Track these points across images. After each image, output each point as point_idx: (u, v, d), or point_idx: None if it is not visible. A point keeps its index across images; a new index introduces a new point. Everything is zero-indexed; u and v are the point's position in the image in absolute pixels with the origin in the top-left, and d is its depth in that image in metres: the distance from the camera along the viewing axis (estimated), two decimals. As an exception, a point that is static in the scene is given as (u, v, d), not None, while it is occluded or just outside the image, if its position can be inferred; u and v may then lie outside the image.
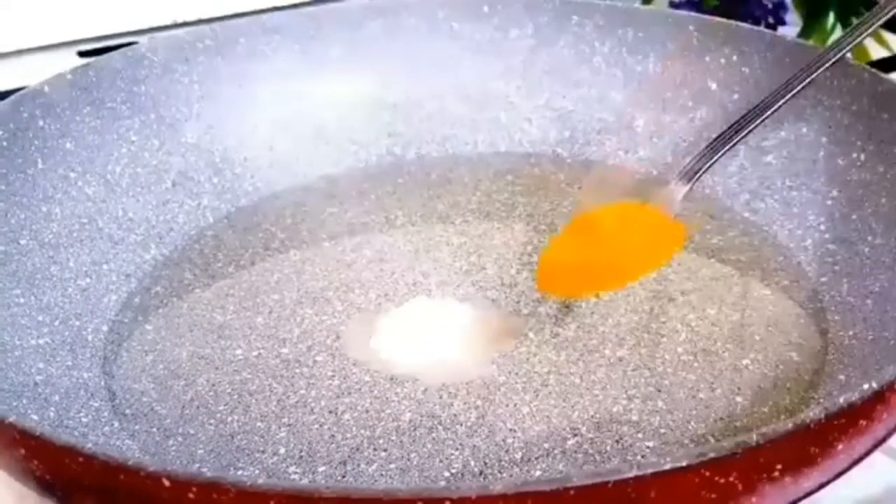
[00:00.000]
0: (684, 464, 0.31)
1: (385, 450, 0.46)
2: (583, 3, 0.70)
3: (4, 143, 0.56)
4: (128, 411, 0.49)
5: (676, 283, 0.56)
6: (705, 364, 0.50)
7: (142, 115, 0.64)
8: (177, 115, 0.66)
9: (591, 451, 0.45)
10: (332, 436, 0.47)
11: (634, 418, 0.47)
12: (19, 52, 0.80)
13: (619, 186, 0.61)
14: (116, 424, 0.48)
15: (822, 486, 0.36)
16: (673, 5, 0.83)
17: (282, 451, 0.46)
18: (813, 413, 0.33)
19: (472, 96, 0.71)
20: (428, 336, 0.53)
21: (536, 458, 0.45)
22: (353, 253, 0.60)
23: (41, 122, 0.59)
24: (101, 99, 0.63)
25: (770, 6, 0.82)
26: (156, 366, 0.52)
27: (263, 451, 0.46)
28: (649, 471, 0.31)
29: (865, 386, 0.35)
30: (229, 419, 0.48)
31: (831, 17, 0.80)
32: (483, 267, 0.58)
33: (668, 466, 0.31)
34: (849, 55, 0.58)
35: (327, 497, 0.31)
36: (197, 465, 0.45)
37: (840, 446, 0.35)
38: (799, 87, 0.57)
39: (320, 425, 0.47)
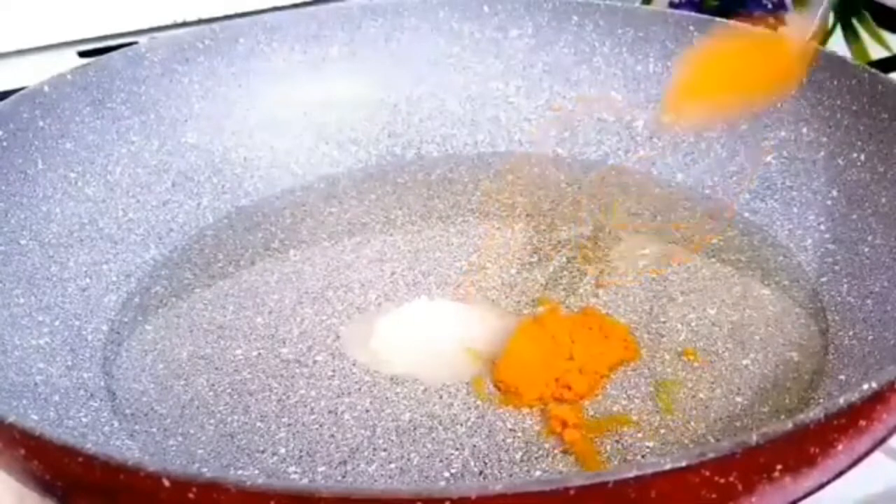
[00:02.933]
0: (684, 464, 0.31)
1: (385, 450, 0.46)
2: (583, 3, 0.70)
3: (4, 143, 0.56)
4: (128, 411, 0.49)
5: (676, 283, 0.56)
6: (705, 364, 0.50)
7: (142, 115, 0.64)
8: (177, 115, 0.66)
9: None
10: (332, 436, 0.47)
11: (634, 418, 0.47)
12: (19, 52, 0.80)
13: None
14: (116, 424, 0.48)
15: (822, 485, 0.36)
16: (673, 5, 0.83)
17: (282, 451, 0.46)
18: (813, 413, 0.33)
19: (472, 96, 0.71)
20: (428, 336, 0.53)
21: (536, 458, 0.45)
22: (352, 253, 0.60)
23: (41, 122, 0.59)
24: (102, 99, 0.63)
25: (770, 6, 0.82)
26: (156, 366, 0.52)
27: (263, 451, 0.46)
28: (649, 471, 0.31)
29: (865, 386, 0.34)
30: (229, 419, 0.48)
31: (831, 17, 0.80)
32: (483, 267, 0.58)
33: (668, 466, 0.31)
34: (849, 55, 0.58)
35: (327, 497, 0.31)
36: (197, 465, 0.45)
37: (840, 446, 0.35)
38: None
39: (320, 425, 0.47)
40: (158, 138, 0.65)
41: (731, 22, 0.66)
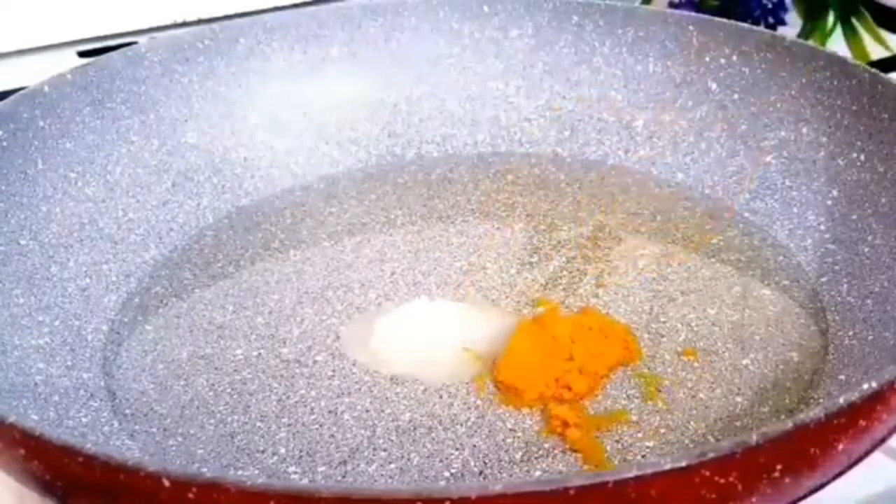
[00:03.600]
0: (684, 464, 0.31)
1: (385, 450, 0.46)
2: (583, 2, 0.70)
3: (4, 143, 0.56)
4: (128, 411, 0.49)
5: (676, 283, 0.56)
6: (705, 364, 0.50)
7: (142, 115, 0.64)
8: (177, 115, 0.66)
9: (591, 450, 0.45)
10: (332, 436, 0.46)
11: (634, 418, 0.47)
12: (19, 52, 0.80)
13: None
14: (116, 424, 0.48)
15: (822, 485, 0.36)
16: (672, 5, 0.83)
17: (282, 450, 0.46)
18: (813, 413, 0.33)
19: (471, 96, 0.71)
20: (428, 336, 0.53)
21: (536, 458, 0.45)
22: (352, 253, 0.60)
23: (41, 123, 0.59)
24: (101, 99, 0.62)
25: (770, 6, 0.82)
26: (156, 366, 0.52)
27: (263, 451, 0.46)
28: (649, 471, 0.31)
29: (865, 386, 0.34)
30: (229, 419, 0.48)
31: (831, 17, 0.80)
32: (483, 267, 0.58)
33: (668, 466, 0.31)
34: (849, 55, 0.58)
35: (327, 497, 0.31)
36: (197, 465, 0.45)
37: (840, 446, 0.35)
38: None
39: (320, 425, 0.47)
40: (158, 138, 0.64)
41: (731, 22, 0.66)
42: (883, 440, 0.38)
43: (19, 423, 0.35)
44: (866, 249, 0.54)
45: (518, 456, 0.45)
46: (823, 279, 0.55)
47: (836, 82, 0.59)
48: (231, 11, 0.79)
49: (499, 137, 0.71)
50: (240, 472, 0.45)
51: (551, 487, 0.31)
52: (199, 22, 0.81)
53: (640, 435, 0.46)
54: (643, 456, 0.45)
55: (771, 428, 0.32)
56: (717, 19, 0.67)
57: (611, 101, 0.69)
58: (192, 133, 0.66)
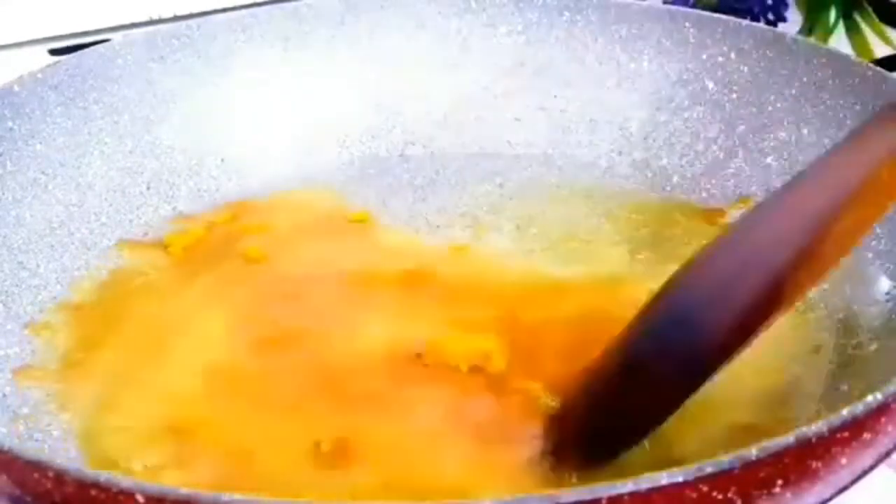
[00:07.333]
0: (681, 479, 0.31)
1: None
2: (574, -2, 0.70)
3: (-28, 145, 0.55)
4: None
5: (672, 291, 0.55)
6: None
7: (115, 115, 0.63)
8: (151, 115, 0.65)
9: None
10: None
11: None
12: (-12, 50, 0.80)
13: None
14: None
15: (824, 501, 0.36)
16: (668, 1, 0.83)
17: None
18: (815, 426, 0.33)
19: (458, 96, 0.70)
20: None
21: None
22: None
23: (10, 124, 0.58)
24: (73, 98, 0.62)
25: (770, 2, 0.83)
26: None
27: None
28: (644, 486, 0.30)
29: (870, 398, 0.34)
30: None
31: (833, 13, 0.81)
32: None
33: (664, 481, 0.30)
34: (851, 52, 0.58)
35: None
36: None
37: (843, 460, 0.34)
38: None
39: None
40: (132, 139, 0.64)
41: (730, 18, 0.65)
42: (888, 454, 0.37)
43: (-15, 438, 0.34)
44: (869, 255, 0.53)
45: (506, 473, 0.44)
46: (825, 286, 0.53)
47: (838, 81, 0.59)
48: (208, 8, 0.79)
49: (487, 139, 0.69)
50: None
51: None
52: (175, 19, 0.81)
53: (634, 449, 0.44)
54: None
55: (771, 442, 0.32)
56: (715, 15, 0.66)
57: (604, 101, 0.68)
58: (168, 134, 0.65)
